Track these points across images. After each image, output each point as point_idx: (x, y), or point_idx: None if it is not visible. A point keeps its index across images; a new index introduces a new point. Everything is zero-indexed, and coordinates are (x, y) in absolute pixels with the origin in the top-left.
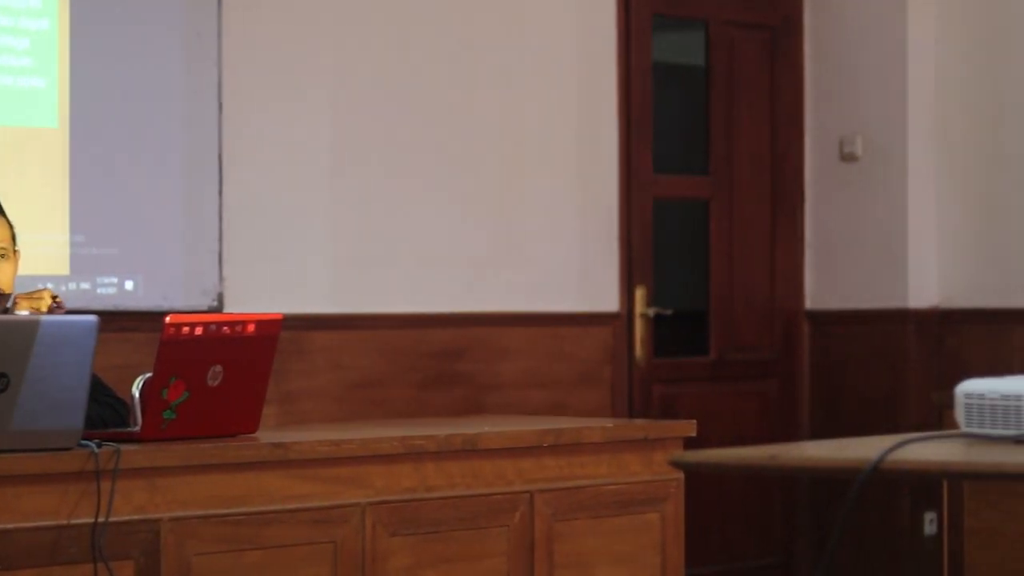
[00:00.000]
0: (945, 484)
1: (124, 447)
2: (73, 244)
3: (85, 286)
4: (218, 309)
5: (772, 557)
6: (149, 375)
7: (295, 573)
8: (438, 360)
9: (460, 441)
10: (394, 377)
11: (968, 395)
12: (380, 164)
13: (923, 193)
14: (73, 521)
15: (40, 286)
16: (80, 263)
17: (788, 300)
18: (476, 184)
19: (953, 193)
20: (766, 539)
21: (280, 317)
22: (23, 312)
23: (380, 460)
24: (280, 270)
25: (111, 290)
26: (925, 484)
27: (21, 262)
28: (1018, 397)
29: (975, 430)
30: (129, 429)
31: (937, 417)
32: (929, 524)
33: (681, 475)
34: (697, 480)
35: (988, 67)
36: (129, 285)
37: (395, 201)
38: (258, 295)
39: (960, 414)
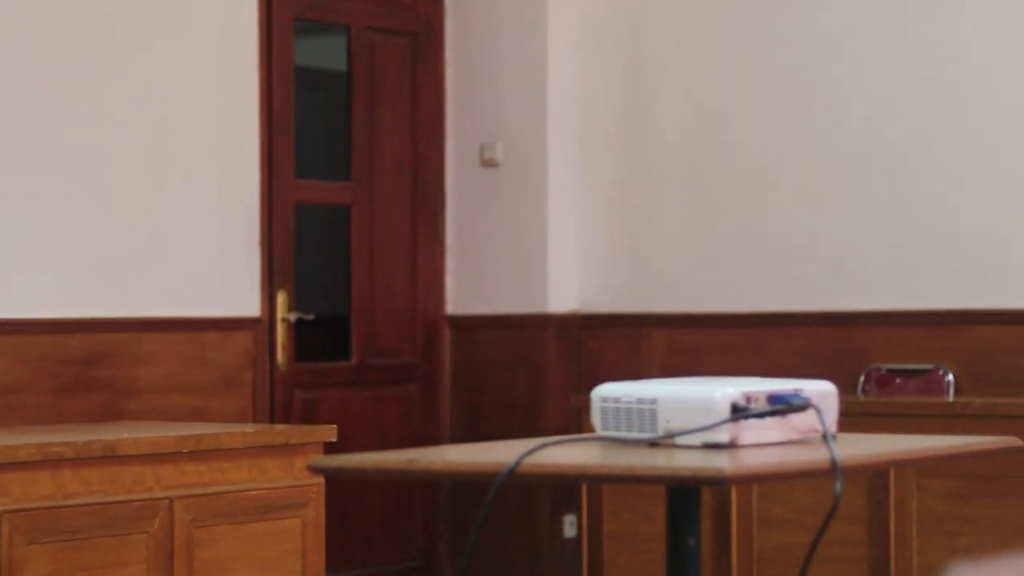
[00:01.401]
0: (584, 487)
1: None
2: None
3: None
4: None
5: (413, 561)
6: None
7: None
8: (77, 366)
9: (99, 447)
10: (32, 383)
11: (604, 399)
12: (18, 166)
13: (562, 199)
14: None
15: None
16: None
17: (429, 305)
18: (116, 187)
19: (592, 199)
20: (407, 543)
21: None
22: None
23: (17, 467)
24: None
25: None
26: (565, 487)
27: None
28: (652, 401)
29: (611, 433)
30: None
31: (576, 421)
32: (569, 526)
33: (321, 480)
34: (338, 485)
35: (628, 77)
36: None
37: (34, 204)
38: None
39: (596, 418)
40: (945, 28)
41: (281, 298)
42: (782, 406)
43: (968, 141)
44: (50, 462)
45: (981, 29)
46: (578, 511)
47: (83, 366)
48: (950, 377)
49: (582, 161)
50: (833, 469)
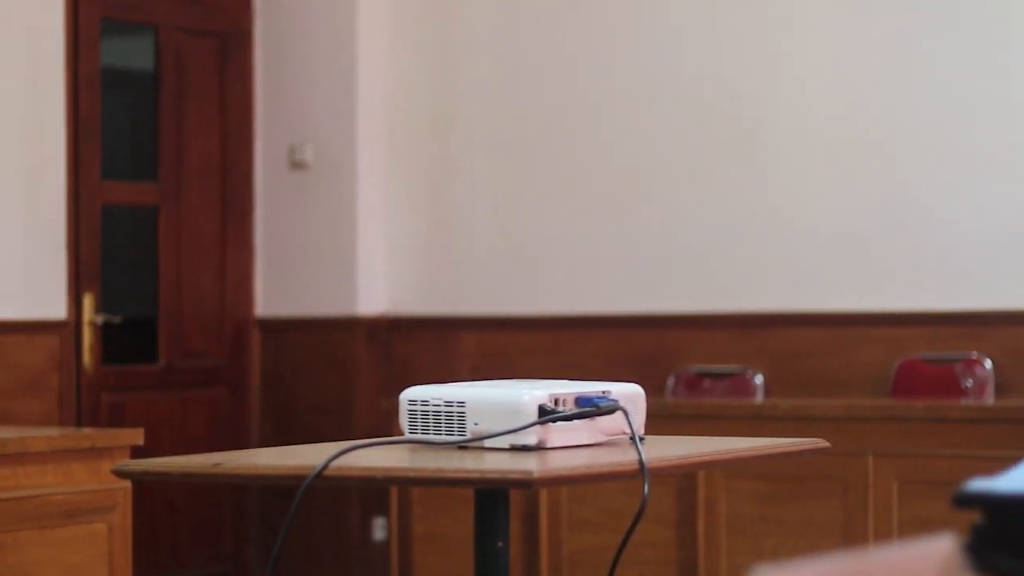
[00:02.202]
0: (394, 490)
1: None
2: None
3: None
4: None
5: (221, 564)
6: None
7: None
8: None
9: None
10: None
11: (412, 401)
12: None
13: (372, 201)
14: None
15: None
16: None
17: (238, 307)
18: None
19: (402, 201)
20: (215, 547)
21: None
22: None
23: None
24: None
25: None
26: (374, 490)
27: None
28: (461, 403)
29: (419, 436)
30: None
31: (387, 424)
32: (379, 529)
33: (128, 484)
34: (146, 489)
35: (437, 79)
36: None
37: None
38: None
39: (404, 420)
40: (752, 34)
41: (88, 300)
42: (590, 408)
43: (772, 144)
44: None
45: (787, 35)
46: (387, 514)
47: None
48: (758, 379)
49: (391, 163)
50: (641, 471)
